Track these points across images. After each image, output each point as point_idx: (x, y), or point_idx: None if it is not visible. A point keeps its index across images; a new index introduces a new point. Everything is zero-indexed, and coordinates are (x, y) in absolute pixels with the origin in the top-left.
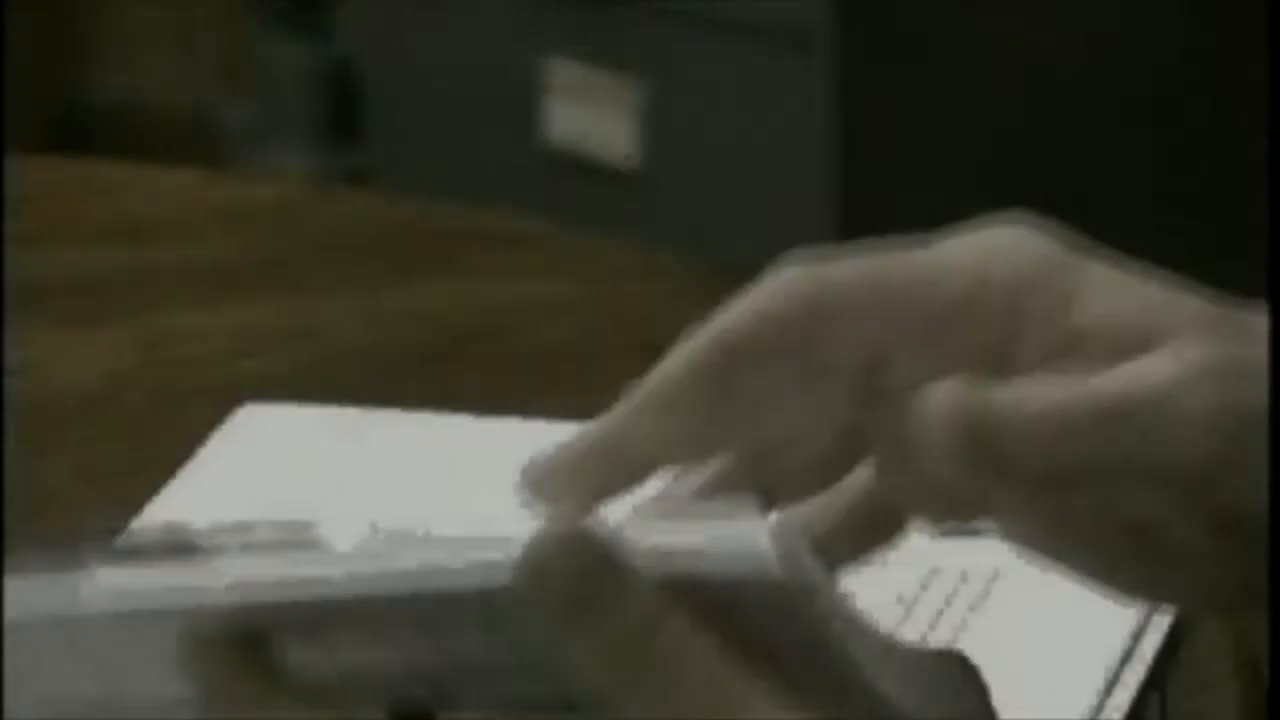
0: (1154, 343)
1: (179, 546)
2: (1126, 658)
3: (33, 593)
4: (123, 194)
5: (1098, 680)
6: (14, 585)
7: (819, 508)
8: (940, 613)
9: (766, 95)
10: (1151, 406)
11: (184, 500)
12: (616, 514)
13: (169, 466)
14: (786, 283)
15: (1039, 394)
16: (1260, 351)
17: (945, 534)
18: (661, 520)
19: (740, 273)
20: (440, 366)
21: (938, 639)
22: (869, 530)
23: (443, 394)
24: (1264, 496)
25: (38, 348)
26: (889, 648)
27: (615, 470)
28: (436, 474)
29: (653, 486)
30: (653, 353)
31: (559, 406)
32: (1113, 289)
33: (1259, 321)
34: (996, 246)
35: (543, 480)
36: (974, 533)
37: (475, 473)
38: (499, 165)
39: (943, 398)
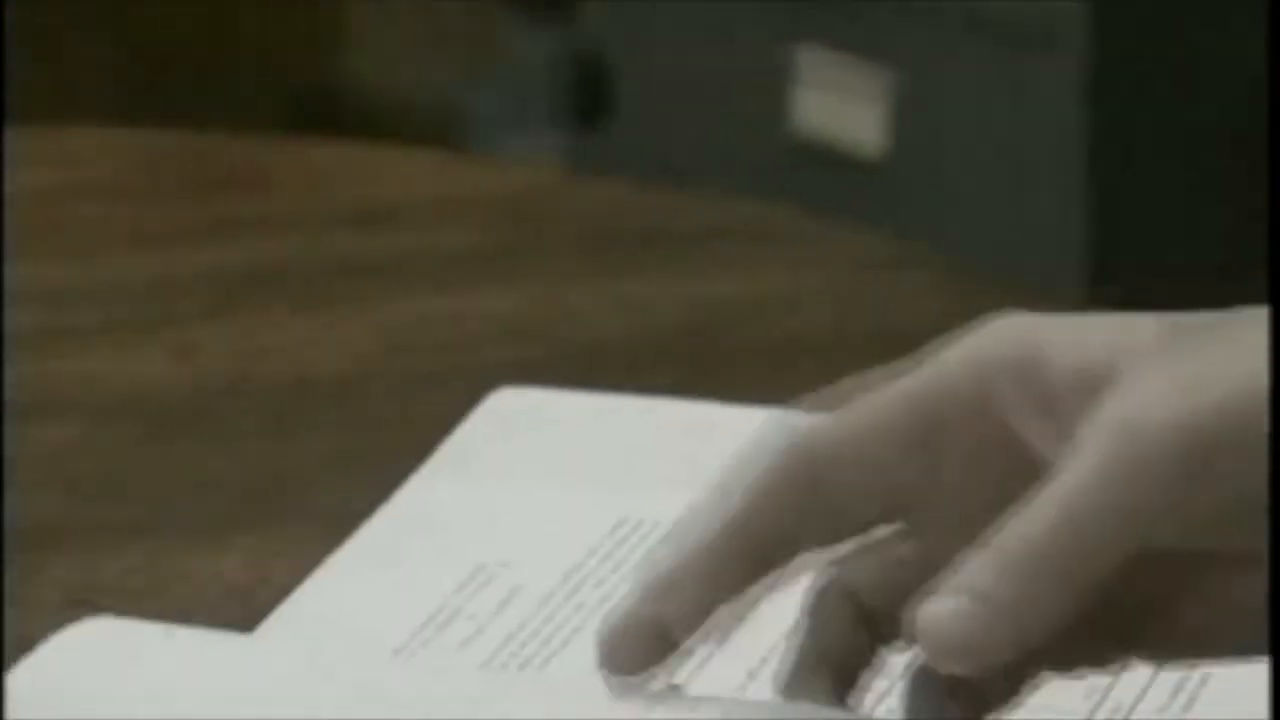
0: (1118, 372)
1: None
2: None
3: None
4: (371, 178)
5: None
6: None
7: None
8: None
9: (1016, 92)
10: (1078, 498)
11: (438, 483)
12: None
13: (417, 451)
14: (779, 463)
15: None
16: (1220, 352)
17: None
18: None
19: (986, 267)
20: (688, 355)
21: None
22: None
23: (690, 382)
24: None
25: (287, 332)
26: None
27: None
28: (687, 462)
29: None
30: (899, 343)
31: (805, 396)
32: (1070, 340)
33: (1220, 321)
34: (954, 359)
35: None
36: None
37: (724, 461)
38: (747, 154)
39: (915, 626)
